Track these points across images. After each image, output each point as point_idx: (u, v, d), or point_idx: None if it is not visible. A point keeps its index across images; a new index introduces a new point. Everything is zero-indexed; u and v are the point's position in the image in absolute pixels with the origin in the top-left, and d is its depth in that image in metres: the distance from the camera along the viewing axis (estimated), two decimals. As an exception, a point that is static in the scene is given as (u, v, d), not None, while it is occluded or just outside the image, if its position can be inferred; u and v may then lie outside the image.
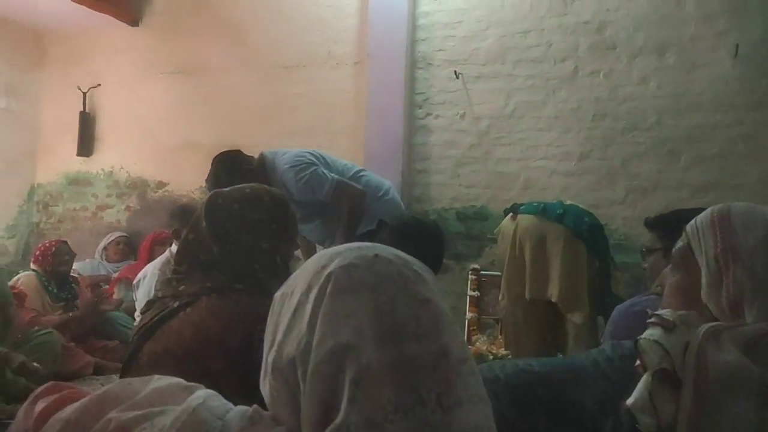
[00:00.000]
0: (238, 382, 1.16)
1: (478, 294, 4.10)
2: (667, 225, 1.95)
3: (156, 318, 1.42)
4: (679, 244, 1.06)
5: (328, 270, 0.67)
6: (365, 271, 0.66)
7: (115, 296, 4.28)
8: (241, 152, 3.02)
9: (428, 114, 4.49)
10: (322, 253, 0.72)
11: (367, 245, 0.72)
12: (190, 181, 5.02)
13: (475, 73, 4.36)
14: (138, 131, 5.28)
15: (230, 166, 2.86)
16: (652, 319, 0.93)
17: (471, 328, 4.00)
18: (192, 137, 5.05)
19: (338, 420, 0.58)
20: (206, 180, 2.93)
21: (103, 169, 5.45)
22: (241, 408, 0.67)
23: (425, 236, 2.11)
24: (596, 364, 1.00)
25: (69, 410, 0.69)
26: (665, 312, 0.94)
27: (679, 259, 1.05)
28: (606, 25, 4.11)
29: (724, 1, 3.88)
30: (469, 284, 4.09)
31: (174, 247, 3.57)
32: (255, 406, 0.68)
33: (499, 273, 4.06)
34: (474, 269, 4.12)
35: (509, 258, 3.01)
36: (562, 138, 4.17)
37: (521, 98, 4.27)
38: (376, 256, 0.68)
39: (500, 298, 3.16)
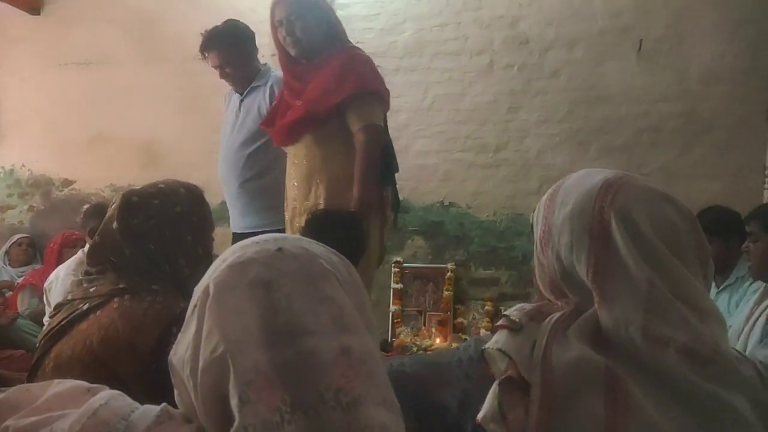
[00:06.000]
0: (150, 387, 1.11)
1: (401, 286, 4.14)
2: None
3: (64, 321, 1.35)
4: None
5: (225, 264, 0.64)
6: (262, 266, 0.63)
7: (19, 304, 4.02)
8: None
9: (348, 107, 4.46)
10: (233, 246, 0.69)
11: (276, 237, 0.69)
12: (99, 177, 4.77)
13: (393, 66, 4.35)
14: (41, 126, 4.96)
15: None
16: (501, 322, 0.89)
17: (395, 321, 4.04)
18: (102, 132, 4.80)
19: (235, 425, 0.55)
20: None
21: (3, 168, 5.10)
22: (148, 407, 0.64)
23: (339, 227, 2.06)
24: (460, 363, 0.96)
25: (-38, 422, 0.63)
26: (513, 312, 0.90)
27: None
28: (519, 19, 4.20)
29: (628, -3, 4.06)
30: (392, 277, 4.12)
31: (87, 248, 3.39)
32: (164, 404, 0.64)
33: (422, 264, 4.13)
34: (397, 262, 4.16)
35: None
36: (480, 130, 4.25)
37: (439, 91, 4.32)
38: (280, 249, 0.65)
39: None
